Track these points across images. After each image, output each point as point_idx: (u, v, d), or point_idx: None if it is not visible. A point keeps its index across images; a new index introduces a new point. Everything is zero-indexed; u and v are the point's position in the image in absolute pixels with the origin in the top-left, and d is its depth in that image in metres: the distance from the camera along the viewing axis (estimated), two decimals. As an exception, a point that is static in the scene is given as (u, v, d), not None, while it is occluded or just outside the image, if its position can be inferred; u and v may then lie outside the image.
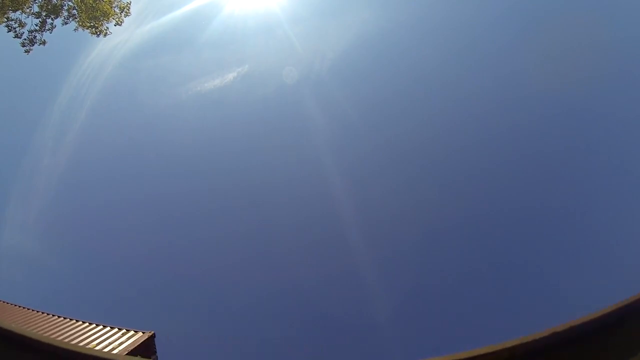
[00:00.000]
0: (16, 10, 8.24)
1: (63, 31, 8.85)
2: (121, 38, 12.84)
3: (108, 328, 5.83)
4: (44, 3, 8.44)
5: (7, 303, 6.87)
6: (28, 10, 8.41)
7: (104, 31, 8.99)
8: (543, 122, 11.30)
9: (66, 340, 5.27)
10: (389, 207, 11.68)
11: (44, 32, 8.62)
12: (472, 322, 9.65)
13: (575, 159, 11.00)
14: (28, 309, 6.57)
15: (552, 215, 10.54)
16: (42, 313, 6.40)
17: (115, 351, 5.11)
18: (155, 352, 5.92)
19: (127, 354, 5.14)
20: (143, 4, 13.18)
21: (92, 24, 8.74)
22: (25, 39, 8.51)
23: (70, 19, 8.72)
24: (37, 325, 5.87)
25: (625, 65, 10.89)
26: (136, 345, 5.46)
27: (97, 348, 5.11)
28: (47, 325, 5.89)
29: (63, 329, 5.77)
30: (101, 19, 8.75)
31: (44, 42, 8.67)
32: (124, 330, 5.80)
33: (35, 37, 8.56)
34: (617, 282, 8.24)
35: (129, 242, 11.70)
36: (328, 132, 12.55)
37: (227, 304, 10.79)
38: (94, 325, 5.91)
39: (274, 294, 10.91)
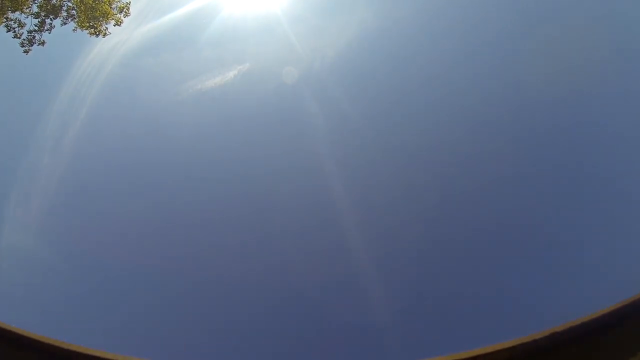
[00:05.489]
0: (15, 11, 8.26)
1: (62, 31, 8.87)
2: (121, 38, 12.83)
3: None
4: (43, 3, 8.46)
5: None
6: (27, 10, 8.44)
7: (103, 31, 9.01)
8: (549, 124, 11.29)
9: None
10: (389, 206, 11.69)
11: (43, 33, 8.65)
12: (472, 322, 9.65)
13: (576, 158, 11.00)
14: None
15: (552, 215, 10.55)
16: None
17: None
18: None
19: None
20: (143, 4, 13.17)
21: (91, 24, 8.76)
22: (24, 39, 8.54)
23: (69, 20, 8.75)
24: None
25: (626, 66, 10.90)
26: None
27: None
28: None
29: None
30: (100, 19, 8.77)
31: (43, 43, 8.69)
32: None
33: (34, 37, 8.59)
34: (617, 282, 8.24)
35: (128, 241, 11.69)
36: (329, 130, 12.55)
37: (223, 305, 10.80)
38: None
39: (272, 294, 10.92)
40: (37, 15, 8.53)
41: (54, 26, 8.73)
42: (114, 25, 9.05)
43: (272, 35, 13.40)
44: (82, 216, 12.22)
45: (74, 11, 8.66)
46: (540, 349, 0.77)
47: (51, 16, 8.58)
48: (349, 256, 11.20)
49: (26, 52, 8.65)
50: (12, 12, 8.27)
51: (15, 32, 8.45)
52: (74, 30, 8.87)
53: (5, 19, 8.26)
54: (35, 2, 8.46)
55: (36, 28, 8.56)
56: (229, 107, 13.33)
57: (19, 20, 8.44)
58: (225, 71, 13.23)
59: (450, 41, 12.56)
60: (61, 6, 8.61)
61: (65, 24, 8.78)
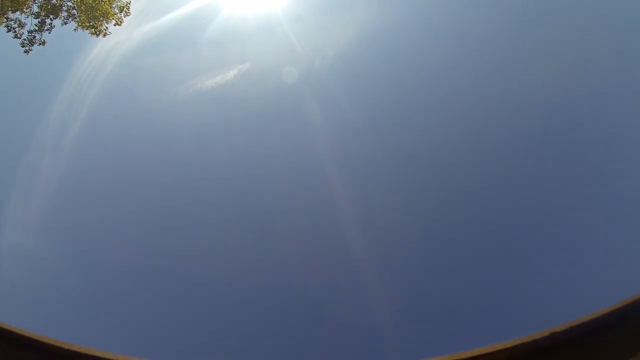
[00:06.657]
0: (16, 11, 8.28)
1: (63, 31, 8.88)
2: (121, 38, 12.83)
3: None
4: (44, 3, 8.48)
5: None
6: (27, 10, 8.45)
7: (104, 31, 9.03)
8: (550, 124, 11.28)
9: None
10: (390, 206, 11.69)
11: (43, 33, 8.67)
12: (472, 322, 9.65)
13: (575, 158, 10.99)
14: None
15: (552, 215, 10.55)
16: None
17: None
18: None
19: None
20: (143, 4, 13.17)
21: (91, 24, 8.78)
22: (24, 39, 8.56)
23: (70, 19, 8.77)
24: None
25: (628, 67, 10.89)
26: None
27: None
28: None
29: None
30: (101, 19, 8.79)
31: (43, 42, 8.72)
32: None
33: (34, 37, 8.61)
34: (617, 282, 8.23)
35: (128, 240, 11.70)
36: (329, 129, 12.55)
37: (224, 308, 10.80)
38: None
39: (271, 294, 10.91)
40: (37, 15, 8.55)
41: (54, 26, 8.76)
42: (114, 25, 9.07)
43: (272, 35, 13.39)
44: (82, 216, 12.22)
45: (74, 11, 8.68)
46: (540, 349, 0.77)
47: (51, 16, 8.60)
48: (349, 256, 11.20)
49: (27, 52, 8.68)
50: (12, 12, 8.29)
51: (15, 32, 8.47)
52: (74, 30, 8.90)
53: (5, 19, 8.27)
54: (36, 2, 8.48)
55: (36, 28, 8.58)
56: (229, 107, 13.32)
57: (19, 21, 8.46)
58: (225, 71, 13.22)
59: (451, 41, 12.56)
60: (61, 6, 8.63)
61: (65, 23, 8.81)
